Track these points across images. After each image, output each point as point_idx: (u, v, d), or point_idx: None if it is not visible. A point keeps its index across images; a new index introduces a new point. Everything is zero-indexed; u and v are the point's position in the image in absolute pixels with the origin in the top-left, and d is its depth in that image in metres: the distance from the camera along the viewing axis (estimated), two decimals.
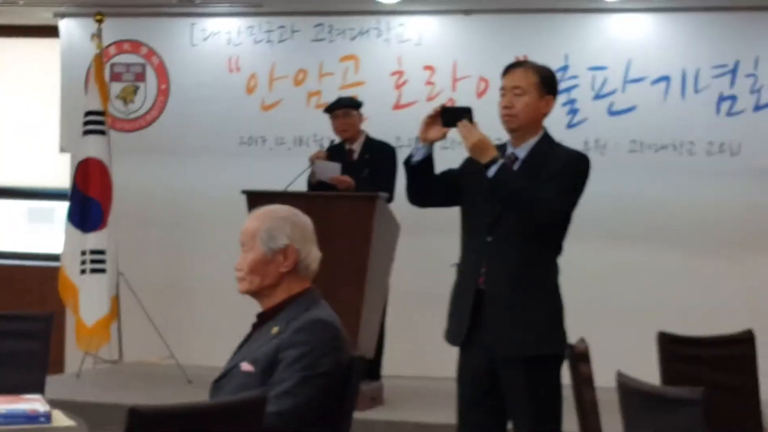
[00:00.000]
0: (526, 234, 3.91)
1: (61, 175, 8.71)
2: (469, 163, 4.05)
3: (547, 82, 4.02)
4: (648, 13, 7.52)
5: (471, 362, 4.03)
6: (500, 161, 3.87)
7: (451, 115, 3.94)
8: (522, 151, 4.01)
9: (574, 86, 7.57)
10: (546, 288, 3.98)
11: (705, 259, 7.56)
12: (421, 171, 4.04)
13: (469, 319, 3.97)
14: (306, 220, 3.27)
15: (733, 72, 7.36)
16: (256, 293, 3.26)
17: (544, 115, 4.04)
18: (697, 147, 7.45)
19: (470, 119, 3.91)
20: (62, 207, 9.03)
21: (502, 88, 4.03)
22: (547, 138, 4.05)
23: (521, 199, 3.87)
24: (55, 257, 8.59)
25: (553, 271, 4.01)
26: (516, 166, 3.97)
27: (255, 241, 3.22)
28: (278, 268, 3.21)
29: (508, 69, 4.07)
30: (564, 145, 4.13)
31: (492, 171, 3.86)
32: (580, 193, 3.99)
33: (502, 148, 4.04)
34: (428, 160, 4.03)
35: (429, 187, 4.10)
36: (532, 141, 4.01)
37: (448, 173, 4.15)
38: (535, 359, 3.91)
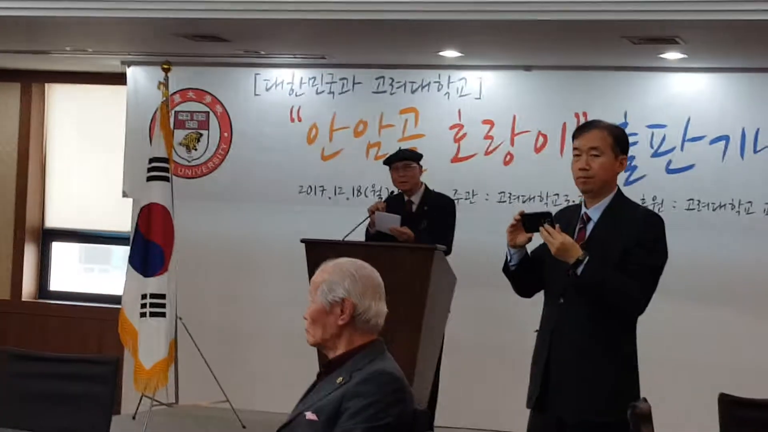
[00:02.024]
0: (597, 293, 3.95)
1: (120, 219, 8.88)
2: None
3: (620, 142, 4.04)
4: (708, 73, 7.54)
5: (541, 426, 4.05)
6: (586, 259, 3.88)
7: (532, 221, 3.98)
8: (596, 212, 4.03)
9: (633, 143, 7.56)
10: (616, 353, 3.99)
11: (763, 319, 7.52)
12: (522, 272, 4.09)
13: (541, 383, 4.00)
14: (370, 276, 3.32)
15: None
16: (320, 345, 3.32)
17: (617, 174, 4.06)
18: (755, 206, 7.44)
19: (551, 223, 3.94)
20: (118, 249, 9.22)
21: (577, 149, 4.02)
22: (620, 196, 4.07)
23: (612, 296, 3.93)
24: (111, 298, 8.75)
25: (626, 336, 4.04)
26: (589, 228, 4.01)
27: (317, 293, 3.29)
28: (336, 320, 3.27)
29: (583, 130, 4.07)
30: (635, 202, 4.18)
31: (580, 270, 3.88)
32: (663, 267, 4.04)
33: (578, 207, 4.09)
34: (525, 261, 4.08)
35: (533, 281, 4.15)
36: (606, 200, 4.03)
37: (537, 257, 4.16)
38: (603, 426, 3.92)
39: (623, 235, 3.93)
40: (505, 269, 4.12)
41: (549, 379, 3.99)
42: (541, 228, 3.94)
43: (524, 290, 4.22)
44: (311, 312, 3.30)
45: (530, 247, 4.14)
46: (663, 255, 4.02)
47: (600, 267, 3.91)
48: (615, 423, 3.91)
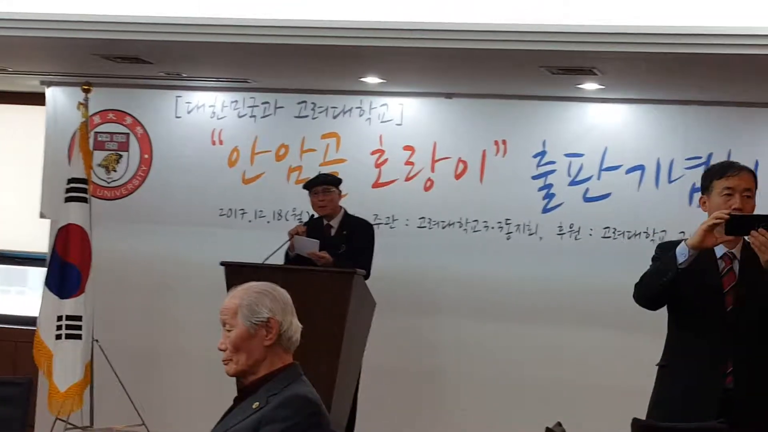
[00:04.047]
0: (763, 330, 4.03)
1: (37, 240, 8.76)
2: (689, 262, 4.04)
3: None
4: (625, 103, 7.67)
5: None
6: None
7: (743, 223, 3.91)
8: (737, 252, 4.11)
9: (551, 171, 7.71)
10: None
11: None
12: (675, 280, 4.06)
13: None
14: (284, 293, 3.32)
15: (707, 164, 7.46)
16: (242, 373, 3.27)
17: None
18: (669, 235, 7.54)
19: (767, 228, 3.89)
20: (35, 271, 9.08)
21: (730, 188, 4.07)
22: None
23: None
24: (27, 320, 8.62)
25: None
26: (736, 266, 4.07)
27: (236, 318, 3.25)
28: (262, 342, 3.24)
29: (735, 171, 4.12)
30: None
31: None
32: None
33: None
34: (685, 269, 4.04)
35: (671, 292, 4.14)
36: (739, 239, 4.09)
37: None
38: None
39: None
40: (664, 272, 4.08)
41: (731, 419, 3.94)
42: (754, 232, 3.85)
43: (663, 300, 4.21)
44: (234, 339, 3.23)
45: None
46: None
47: None
48: None
